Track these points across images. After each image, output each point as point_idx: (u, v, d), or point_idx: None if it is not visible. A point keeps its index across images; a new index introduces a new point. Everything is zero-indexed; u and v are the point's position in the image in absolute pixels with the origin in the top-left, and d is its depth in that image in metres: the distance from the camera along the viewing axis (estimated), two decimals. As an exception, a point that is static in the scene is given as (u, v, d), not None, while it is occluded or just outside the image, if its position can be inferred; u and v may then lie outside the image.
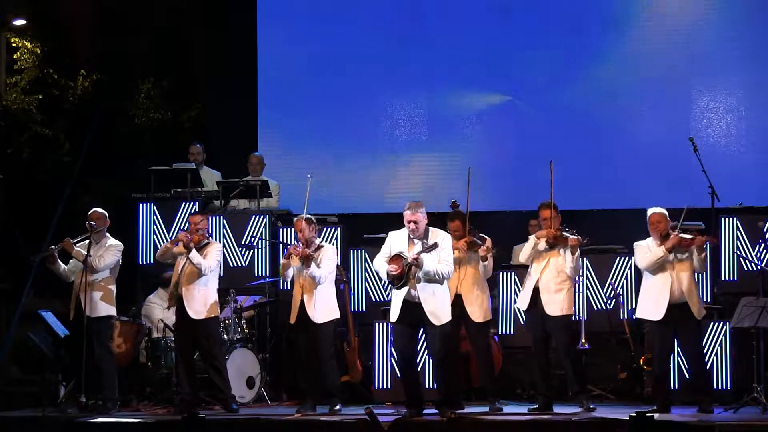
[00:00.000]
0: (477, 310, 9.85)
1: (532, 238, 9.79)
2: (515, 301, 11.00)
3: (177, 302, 10.01)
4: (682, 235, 9.50)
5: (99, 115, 13.58)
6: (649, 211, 9.72)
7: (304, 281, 9.75)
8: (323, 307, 9.76)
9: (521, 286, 10.91)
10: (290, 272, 9.80)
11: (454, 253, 9.59)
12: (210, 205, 12.08)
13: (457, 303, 9.75)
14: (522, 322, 11.01)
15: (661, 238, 9.54)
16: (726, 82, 12.90)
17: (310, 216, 9.85)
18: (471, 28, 13.27)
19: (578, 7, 13.16)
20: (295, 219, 10.04)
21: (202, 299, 10.00)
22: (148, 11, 13.67)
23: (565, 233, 9.61)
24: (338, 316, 9.99)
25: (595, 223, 11.89)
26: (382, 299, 11.25)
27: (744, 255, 10.80)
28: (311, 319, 9.71)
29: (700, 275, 9.96)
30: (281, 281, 11.38)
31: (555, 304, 9.62)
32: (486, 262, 9.88)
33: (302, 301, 9.73)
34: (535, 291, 9.69)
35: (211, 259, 10.02)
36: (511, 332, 11.07)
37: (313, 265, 9.66)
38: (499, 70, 13.19)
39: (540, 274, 9.68)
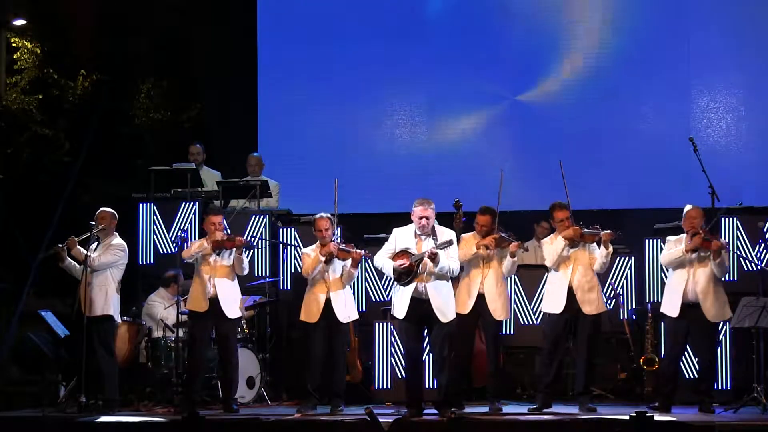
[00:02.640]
0: (499, 309, 9.82)
1: (558, 241, 9.69)
2: (515, 301, 10.99)
3: (210, 302, 9.95)
4: (705, 237, 9.48)
5: (99, 115, 13.58)
6: (686, 207, 9.72)
7: (330, 280, 9.78)
8: (350, 307, 9.90)
9: (521, 287, 10.96)
10: (317, 269, 9.81)
11: (481, 249, 9.67)
12: (210, 205, 12.07)
13: (479, 301, 9.75)
14: (522, 323, 11.01)
15: (690, 236, 9.54)
16: (726, 82, 12.91)
17: (329, 216, 9.90)
18: (471, 27, 13.27)
19: (578, 7, 13.17)
20: (316, 217, 9.98)
21: (236, 298, 10.11)
22: (148, 11, 13.66)
23: (587, 230, 9.61)
24: (357, 317, 10.13)
25: (595, 223, 11.86)
26: (382, 299, 11.25)
27: (744, 255, 10.80)
28: (337, 318, 9.76)
29: (721, 278, 9.73)
30: (281, 281, 11.39)
31: (591, 303, 9.60)
32: (515, 259, 9.84)
33: (328, 300, 9.76)
34: (569, 293, 9.62)
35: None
36: (511, 332, 11.06)
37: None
38: (499, 69, 13.19)
39: (571, 275, 9.63)
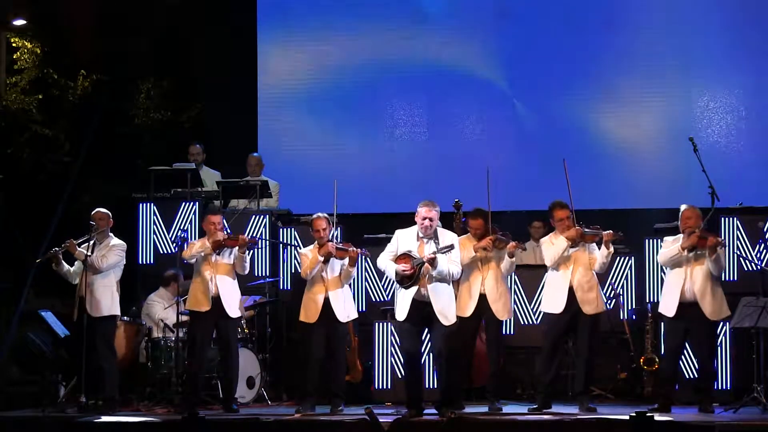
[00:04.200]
0: (501, 308, 9.83)
1: (560, 241, 9.67)
2: (515, 301, 10.99)
3: (212, 301, 9.94)
4: (700, 235, 9.49)
5: (99, 115, 13.58)
6: (681, 207, 9.72)
7: (329, 280, 9.78)
8: (349, 307, 9.90)
9: (521, 287, 10.96)
10: (314, 270, 9.81)
11: (478, 252, 9.69)
12: (210, 205, 12.08)
13: (481, 302, 9.76)
14: (522, 323, 11.02)
15: (687, 234, 9.54)
16: (726, 82, 12.90)
17: (326, 215, 9.89)
18: (471, 27, 13.27)
19: (578, 7, 13.17)
20: (314, 217, 10.00)
21: (237, 297, 10.11)
22: (148, 11, 13.66)
23: (587, 230, 9.61)
24: (357, 317, 10.14)
25: (595, 223, 11.86)
26: (382, 299, 11.26)
27: (744, 255, 10.80)
28: (336, 317, 9.76)
29: (717, 277, 9.69)
30: (281, 281, 11.39)
31: (590, 303, 9.60)
32: (513, 258, 9.85)
33: (327, 299, 9.75)
34: (570, 292, 9.61)
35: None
36: (511, 332, 11.06)
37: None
38: (499, 69, 13.19)
39: (571, 275, 9.63)
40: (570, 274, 9.64)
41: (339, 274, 9.86)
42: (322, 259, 9.78)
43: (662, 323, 10.21)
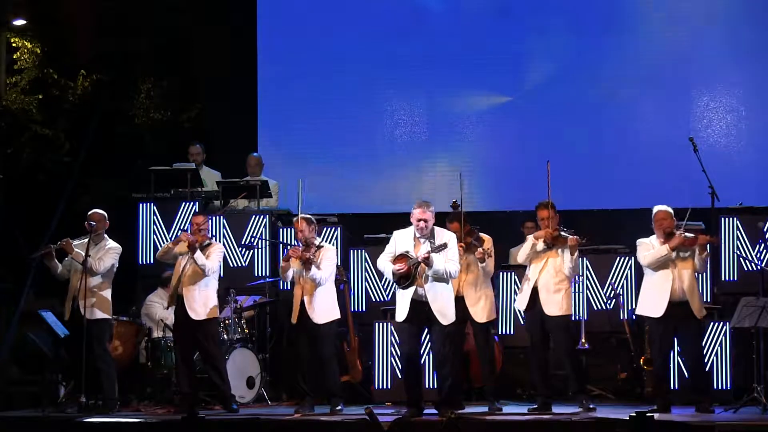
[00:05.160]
0: (479, 311, 9.84)
1: (530, 239, 9.78)
2: (515, 301, 11.00)
3: (177, 302, 10.01)
4: (686, 234, 9.50)
5: (99, 115, 13.58)
6: (655, 209, 9.72)
7: (304, 282, 9.74)
8: (323, 308, 9.75)
9: (519, 286, 10.95)
10: (290, 274, 9.80)
11: None
12: (210, 205, 12.08)
13: (459, 304, 9.75)
14: (522, 322, 11.02)
15: (665, 236, 9.53)
16: (726, 82, 12.90)
17: (309, 216, 9.85)
18: (471, 27, 13.27)
19: (578, 7, 13.17)
20: (294, 219, 10.03)
21: (202, 300, 9.99)
22: (148, 11, 13.67)
23: (563, 233, 9.61)
24: (338, 316, 9.98)
25: (595, 223, 11.90)
26: (382, 299, 11.26)
27: (744, 255, 10.80)
28: (312, 320, 9.71)
29: (700, 275, 9.91)
30: (281, 281, 11.38)
31: (554, 305, 9.61)
32: (484, 264, 9.86)
33: (302, 302, 9.72)
34: (534, 291, 9.67)
35: (214, 260, 10.02)
36: (511, 332, 11.07)
37: (313, 267, 9.65)
38: (500, 69, 13.19)
39: (538, 274, 9.66)
40: (537, 273, 9.67)
41: None
42: (283, 264, 9.79)
43: (646, 325, 10.11)
